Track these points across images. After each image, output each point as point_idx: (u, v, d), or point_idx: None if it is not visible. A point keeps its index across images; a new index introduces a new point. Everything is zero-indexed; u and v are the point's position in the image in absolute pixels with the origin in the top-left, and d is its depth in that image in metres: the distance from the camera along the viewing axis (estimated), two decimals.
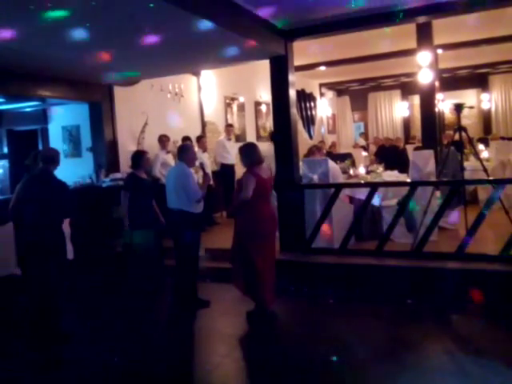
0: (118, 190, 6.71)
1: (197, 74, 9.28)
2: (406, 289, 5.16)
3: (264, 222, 4.73)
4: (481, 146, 10.27)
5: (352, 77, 14.31)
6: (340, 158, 8.86)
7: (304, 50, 7.73)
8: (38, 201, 4.49)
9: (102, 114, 7.52)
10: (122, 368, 3.91)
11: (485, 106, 14.92)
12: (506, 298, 4.73)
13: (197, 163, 6.04)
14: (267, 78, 6.50)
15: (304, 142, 11.63)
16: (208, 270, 5.97)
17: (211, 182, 6.74)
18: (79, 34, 4.69)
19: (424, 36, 7.62)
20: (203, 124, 9.50)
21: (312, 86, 14.34)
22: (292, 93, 6.36)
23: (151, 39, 5.09)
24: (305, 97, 13.51)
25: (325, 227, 6.05)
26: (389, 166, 8.58)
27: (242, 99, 10.73)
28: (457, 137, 5.98)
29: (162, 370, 3.83)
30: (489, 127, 14.86)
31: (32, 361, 4.16)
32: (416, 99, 13.55)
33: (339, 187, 6.06)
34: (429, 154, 6.47)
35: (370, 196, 5.87)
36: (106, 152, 7.55)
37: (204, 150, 8.24)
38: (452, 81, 13.84)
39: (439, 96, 9.39)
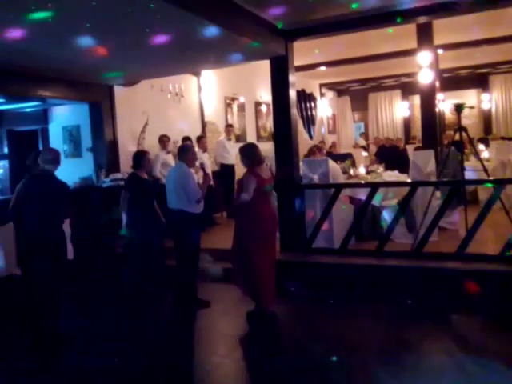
0: (118, 190, 6.71)
1: (197, 74, 9.29)
2: (406, 289, 5.16)
3: (264, 222, 4.73)
4: (481, 146, 10.27)
5: (352, 77, 14.31)
6: (340, 158, 8.86)
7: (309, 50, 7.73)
8: (38, 201, 4.50)
9: (102, 114, 7.53)
10: (121, 368, 3.91)
11: (485, 106, 14.92)
12: (505, 298, 4.72)
13: (197, 163, 6.04)
14: (267, 79, 6.50)
15: (304, 142, 11.63)
16: (208, 270, 5.96)
17: (211, 183, 6.74)
18: (79, 34, 4.70)
19: (424, 36, 7.63)
20: (203, 124, 9.51)
21: (312, 86, 14.34)
22: (292, 93, 6.36)
23: (151, 39, 5.09)
24: (305, 97, 13.51)
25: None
26: (389, 166, 8.58)
27: (242, 99, 10.73)
28: (457, 137, 5.97)
29: (162, 370, 3.83)
30: (489, 127, 14.86)
31: (31, 361, 4.16)
32: (416, 99, 13.57)
33: (339, 187, 6.06)
34: (429, 154, 6.47)
35: (371, 196, 5.87)
36: (106, 152, 7.56)
37: (204, 150, 8.24)
38: (452, 81, 13.83)
39: (439, 96, 9.39)
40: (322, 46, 8.09)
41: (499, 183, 5.54)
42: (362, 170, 8.05)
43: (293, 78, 6.39)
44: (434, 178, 6.08)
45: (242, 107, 10.76)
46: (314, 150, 7.16)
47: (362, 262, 5.68)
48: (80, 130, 7.88)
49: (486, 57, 11.96)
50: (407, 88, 15.16)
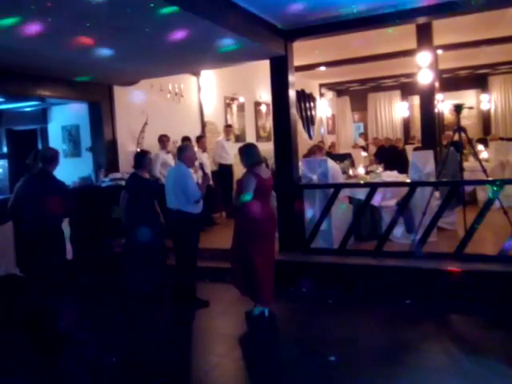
0: (117, 189, 6.72)
1: (196, 74, 9.29)
2: (405, 289, 5.17)
3: (264, 222, 4.73)
4: (480, 147, 10.29)
5: (352, 77, 14.32)
6: (339, 158, 8.86)
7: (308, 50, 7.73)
8: (37, 200, 4.50)
9: (101, 114, 7.53)
10: (120, 368, 3.91)
11: (484, 106, 14.94)
12: (505, 298, 4.73)
13: (196, 163, 6.04)
14: (267, 79, 6.50)
15: (303, 142, 11.63)
16: (207, 269, 5.96)
17: (211, 182, 6.74)
18: (78, 34, 4.70)
19: (424, 36, 7.64)
20: (203, 124, 9.51)
21: (312, 87, 14.34)
22: (292, 93, 6.36)
23: (151, 39, 5.09)
24: (304, 97, 13.52)
25: None
26: (388, 167, 8.59)
27: (241, 99, 10.74)
28: (456, 137, 5.98)
29: (161, 369, 3.83)
30: (488, 128, 14.88)
31: (31, 361, 4.16)
32: (416, 100, 13.57)
33: (338, 187, 6.07)
34: (428, 154, 6.47)
35: (370, 196, 5.87)
36: (105, 152, 7.56)
37: (204, 150, 8.25)
38: (452, 81, 13.85)
39: (439, 96, 9.40)
40: (321, 46, 8.10)
41: (498, 183, 5.54)
42: (361, 170, 8.06)
43: (292, 78, 6.39)
44: (433, 179, 6.08)
45: (241, 107, 10.77)
46: (314, 150, 7.16)
47: (361, 262, 5.68)
48: (79, 130, 7.88)
49: (485, 57, 11.97)
50: (407, 88, 15.17)
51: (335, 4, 5.29)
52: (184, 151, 5.22)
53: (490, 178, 6.03)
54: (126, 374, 3.83)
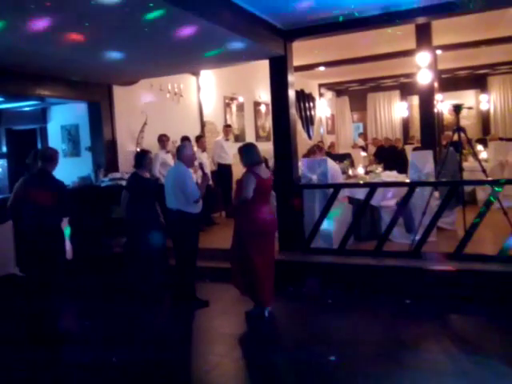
0: (116, 189, 6.72)
1: (196, 73, 9.29)
2: (405, 289, 5.17)
3: (263, 222, 4.73)
4: (479, 147, 10.30)
5: (351, 77, 14.33)
6: (339, 158, 8.87)
7: (308, 50, 7.74)
8: (36, 200, 4.49)
9: (101, 114, 7.52)
10: (119, 368, 3.91)
11: (483, 106, 14.96)
12: (504, 298, 4.73)
13: (196, 163, 6.04)
14: (266, 78, 6.50)
15: (303, 142, 11.64)
16: (207, 269, 5.96)
17: (210, 182, 6.74)
18: (78, 34, 4.70)
19: (423, 37, 7.65)
20: (202, 124, 9.51)
21: (311, 87, 14.35)
22: (291, 93, 6.37)
23: (150, 39, 5.09)
24: (304, 97, 13.53)
25: None
26: (388, 167, 8.59)
27: (241, 99, 10.74)
28: (455, 137, 5.99)
29: (161, 369, 3.83)
30: (487, 128, 14.90)
31: (30, 360, 4.16)
32: (415, 100, 13.58)
33: (338, 187, 6.07)
34: (428, 154, 6.48)
35: (369, 196, 5.87)
36: (104, 151, 7.55)
37: (203, 149, 8.25)
38: (451, 81, 13.86)
39: (438, 97, 9.41)
40: (321, 46, 8.10)
41: (497, 184, 5.54)
42: (360, 170, 8.06)
43: (292, 78, 6.40)
44: (432, 179, 6.09)
45: (241, 107, 10.77)
46: (314, 150, 7.17)
47: (361, 261, 5.68)
48: (79, 130, 7.87)
49: (484, 58, 11.99)
50: (406, 88, 15.19)
51: (335, 4, 5.29)
52: (183, 151, 5.21)
53: (489, 178, 6.04)
54: (125, 373, 3.83)
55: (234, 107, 10.52)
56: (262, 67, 6.75)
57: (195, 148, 7.79)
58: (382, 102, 16.41)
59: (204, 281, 5.80)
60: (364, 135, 15.95)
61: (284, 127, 6.32)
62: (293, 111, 6.43)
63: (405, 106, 15.81)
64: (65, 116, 7.96)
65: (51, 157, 4.66)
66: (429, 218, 5.60)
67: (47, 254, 4.49)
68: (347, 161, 8.42)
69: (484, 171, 5.84)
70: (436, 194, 6.16)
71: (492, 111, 15.04)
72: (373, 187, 5.97)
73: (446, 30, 8.02)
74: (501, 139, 11.58)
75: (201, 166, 5.70)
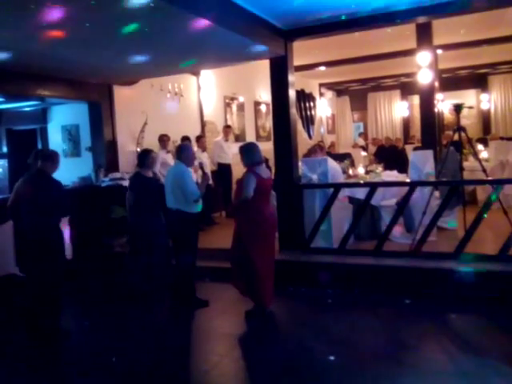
0: (117, 189, 6.72)
1: (196, 73, 9.28)
2: (405, 289, 5.17)
3: (264, 222, 4.73)
4: (480, 146, 10.29)
5: (352, 77, 14.33)
6: (339, 157, 8.86)
7: (308, 50, 7.73)
8: (34, 200, 4.49)
9: (101, 114, 7.52)
10: (120, 367, 3.91)
11: (484, 106, 14.95)
12: (504, 297, 4.73)
13: (196, 163, 6.04)
14: (267, 78, 6.50)
15: (303, 142, 11.64)
16: (207, 269, 5.96)
17: (210, 182, 6.73)
18: (78, 33, 4.70)
19: (424, 36, 7.64)
20: (203, 124, 9.51)
21: (311, 86, 14.35)
22: (292, 93, 6.36)
23: (150, 39, 5.09)
24: (304, 97, 13.52)
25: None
26: (388, 166, 8.59)
27: (241, 99, 10.74)
28: (456, 137, 5.98)
29: (160, 369, 3.84)
30: (488, 127, 14.89)
31: (30, 360, 4.17)
32: (415, 99, 13.58)
33: (338, 187, 6.07)
34: (428, 154, 6.48)
35: (370, 196, 5.87)
36: (105, 151, 7.55)
37: (203, 149, 8.25)
38: (451, 81, 13.85)
39: (439, 96, 9.41)
40: (321, 45, 8.10)
41: (498, 183, 5.55)
42: (360, 170, 8.06)
43: (292, 77, 6.39)
44: (432, 178, 6.08)
45: (241, 107, 10.77)
46: (315, 149, 7.16)
47: (361, 261, 5.68)
48: (79, 130, 7.87)
49: (484, 57, 11.98)
50: (406, 88, 15.19)
51: (335, 4, 5.29)
52: (182, 151, 5.21)
53: (489, 178, 6.04)
54: (125, 373, 3.83)
55: (234, 107, 10.52)
56: (263, 67, 6.75)
57: (195, 148, 7.79)
58: (383, 101, 16.40)
59: (204, 280, 5.81)
60: (364, 135, 15.94)
61: (284, 127, 6.32)
62: (293, 111, 6.43)
63: (405, 105, 15.80)
64: (65, 116, 7.97)
65: (51, 156, 4.66)
66: (429, 217, 5.60)
67: (46, 254, 4.49)
68: (347, 160, 8.42)
69: (484, 171, 5.83)
70: (436, 193, 6.16)
71: (493, 111, 15.03)
72: (373, 187, 5.97)
73: (446, 30, 8.01)
74: (501, 139, 11.57)
75: (201, 166, 5.69)
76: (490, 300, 4.76)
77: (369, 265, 5.58)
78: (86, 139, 7.79)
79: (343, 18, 5.70)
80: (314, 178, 6.26)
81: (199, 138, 8.31)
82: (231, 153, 8.63)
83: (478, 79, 14.80)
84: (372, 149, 13.15)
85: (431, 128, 7.70)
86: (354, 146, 14.07)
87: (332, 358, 3.79)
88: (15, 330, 4.76)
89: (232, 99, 10.44)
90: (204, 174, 5.48)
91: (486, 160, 8.96)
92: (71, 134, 7.93)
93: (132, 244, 5.48)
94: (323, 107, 15.11)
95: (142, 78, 7.78)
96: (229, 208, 8.44)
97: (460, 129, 5.88)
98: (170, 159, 7.50)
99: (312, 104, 14.05)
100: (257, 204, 4.65)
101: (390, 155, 10.54)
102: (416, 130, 14.13)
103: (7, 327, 4.90)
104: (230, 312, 5.07)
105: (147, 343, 4.37)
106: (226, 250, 5.12)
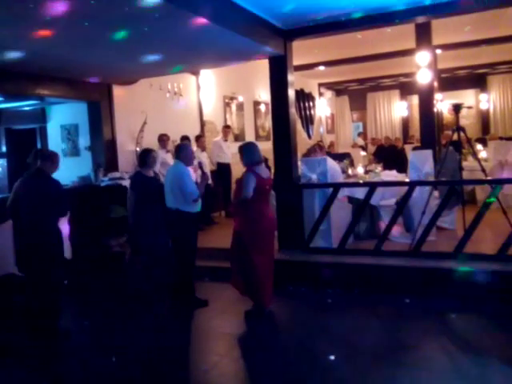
0: (116, 189, 6.72)
1: (196, 73, 9.28)
2: (405, 288, 5.17)
3: (263, 221, 4.73)
4: (479, 146, 10.30)
5: (351, 77, 14.34)
6: (338, 157, 8.86)
7: (308, 49, 7.73)
8: (33, 199, 4.49)
9: (100, 113, 7.52)
10: (119, 367, 3.91)
11: (483, 106, 14.96)
12: (504, 297, 4.74)
13: (195, 162, 6.03)
14: (266, 78, 6.49)
15: (303, 141, 11.64)
16: (206, 269, 5.96)
17: (210, 182, 6.73)
18: (77, 33, 4.70)
19: (423, 36, 7.64)
20: (202, 123, 9.50)
21: (311, 86, 14.35)
22: (291, 92, 6.36)
23: (150, 38, 5.08)
24: (304, 96, 13.53)
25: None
26: (387, 166, 8.59)
27: (241, 99, 10.74)
28: (455, 137, 5.99)
29: (160, 369, 3.84)
30: (487, 127, 14.91)
31: (30, 360, 4.16)
32: (415, 99, 13.58)
33: (338, 187, 6.07)
34: (427, 153, 6.48)
35: (369, 195, 5.88)
36: (104, 151, 7.55)
37: (203, 149, 8.25)
38: (451, 81, 13.86)
39: (438, 96, 9.41)
40: (320, 45, 8.10)
41: (497, 183, 5.55)
42: (360, 170, 8.06)
43: (291, 77, 6.39)
44: (431, 178, 6.09)
45: (240, 106, 10.77)
46: (315, 149, 7.16)
47: (360, 261, 5.68)
48: (78, 129, 7.86)
49: (484, 57, 11.99)
50: (406, 88, 15.19)
51: (334, 4, 5.29)
52: (181, 150, 5.21)
53: (488, 178, 6.04)
54: (125, 373, 3.83)
55: (233, 107, 10.52)
56: (262, 67, 6.75)
57: (195, 147, 7.79)
58: (382, 101, 16.41)
59: (203, 280, 5.81)
60: (364, 135, 15.95)
61: (284, 127, 6.32)
62: (292, 111, 6.43)
63: (404, 105, 15.81)
64: (64, 115, 7.96)
65: (50, 157, 4.66)
66: (428, 217, 5.61)
67: (45, 253, 4.49)
68: (347, 160, 8.42)
69: (483, 171, 5.84)
70: (435, 193, 6.17)
71: (492, 110, 15.04)
72: (372, 186, 5.97)
73: (445, 30, 8.01)
74: (500, 138, 11.59)
75: (200, 166, 5.69)
76: (489, 299, 4.77)
77: (368, 264, 5.58)
78: (85, 139, 7.78)
79: (342, 18, 5.70)
80: (314, 177, 6.26)
81: (198, 138, 8.31)
82: (230, 153, 8.64)
83: (477, 79, 14.82)
84: (371, 148, 13.16)
85: (430, 128, 7.70)
86: (353, 146, 14.08)
87: (332, 357, 3.80)
88: (15, 330, 4.75)
89: (231, 99, 10.44)
90: (203, 173, 5.47)
91: (485, 160, 8.97)
92: (70, 134, 7.92)
93: (132, 244, 5.47)
94: (322, 107, 15.12)
95: (141, 78, 7.77)
96: (228, 208, 8.44)
97: (459, 129, 5.88)
98: (169, 159, 7.50)
99: (311, 104, 14.05)
100: (256, 204, 4.65)
101: (389, 155, 10.54)
102: (415, 129, 14.14)
103: (7, 327, 4.89)
104: (229, 312, 5.07)
105: (147, 343, 4.37)
106: (225, 249, 5.12)
